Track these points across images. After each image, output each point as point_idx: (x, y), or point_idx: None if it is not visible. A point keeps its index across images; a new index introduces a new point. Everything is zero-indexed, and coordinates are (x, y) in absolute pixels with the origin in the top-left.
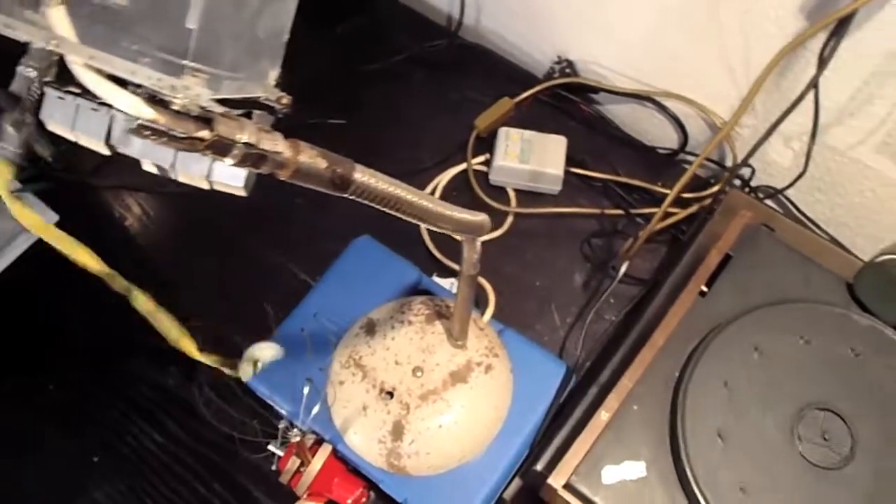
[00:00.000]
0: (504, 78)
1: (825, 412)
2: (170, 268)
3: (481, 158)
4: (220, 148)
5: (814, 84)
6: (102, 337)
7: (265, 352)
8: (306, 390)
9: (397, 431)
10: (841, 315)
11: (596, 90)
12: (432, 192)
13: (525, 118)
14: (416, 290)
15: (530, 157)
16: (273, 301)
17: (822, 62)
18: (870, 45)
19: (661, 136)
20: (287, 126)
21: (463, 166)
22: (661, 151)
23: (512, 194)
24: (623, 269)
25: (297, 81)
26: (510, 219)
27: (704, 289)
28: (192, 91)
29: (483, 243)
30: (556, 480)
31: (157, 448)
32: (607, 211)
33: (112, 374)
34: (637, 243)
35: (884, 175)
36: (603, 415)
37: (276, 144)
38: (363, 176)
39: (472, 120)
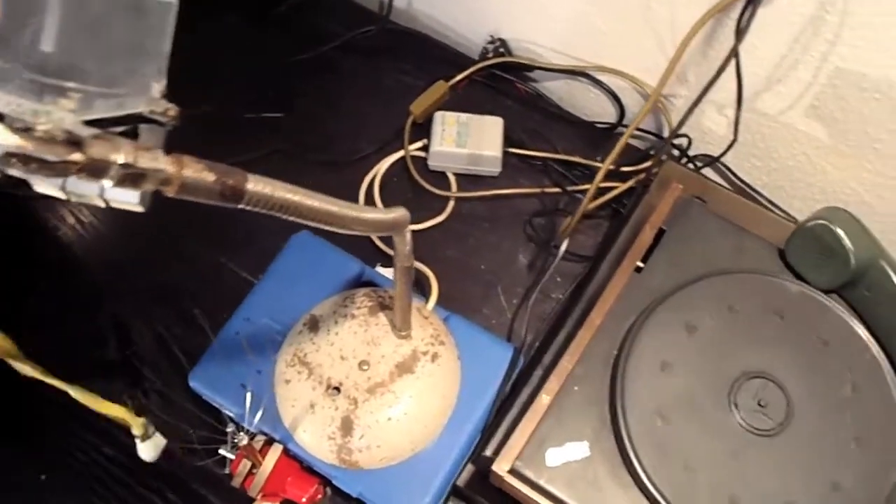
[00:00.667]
0: (438, 61)
1: (760, 379)
2: (107, 276)
3: (419, 144)
4: (95, 170)
5: (734, 53)
6: (45, 351)
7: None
8: (248, 394)
9: (346, 427)
10: (772, 282)
11: (531, 68)
12: (371, 182)
13: (461, 101)
14: (360, 283)
15: (467, 141)
16: (216, 303)
17: (740, 31)
18: (788, 11)
19: (598, 110)
20: (223, 123)
21: (401, 153)
22: (599, 126)
23: (452, 178)
24: (563, 247)
25: (230, 76)
26: (451, 203)
27: (640, 264)
28: (56, 115)
29: (425, 229)
30: (500, 466)
31: (108, 461)
32: (548, 189)
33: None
34: (573, 221)
35: (814, 138)
36: (544, 398)
37: (157, 161)
38: (256, 185)
39: (408, 106)
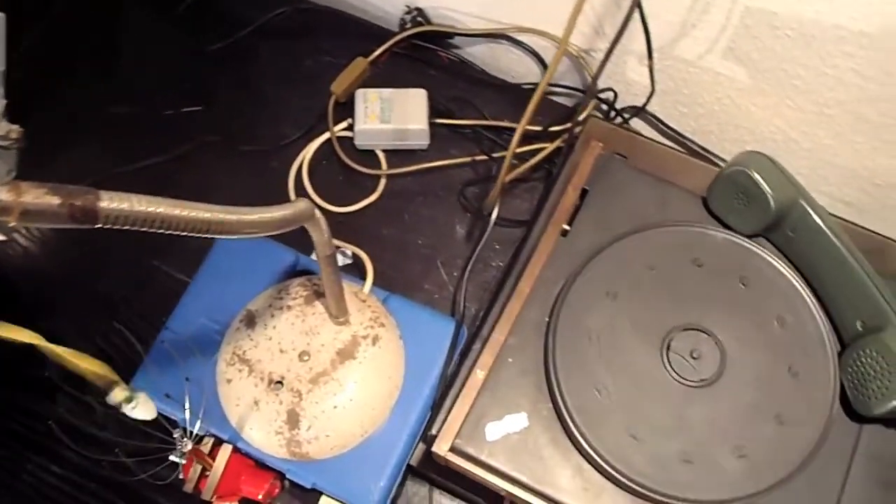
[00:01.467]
0: (357, 37)
1: (691, 331)
2: (39, 293)
3: (344, 124)
4: None
5: (637, 3)
6: None
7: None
8: (186, 398)
9: (293, 420)
10: (695, 233)
11: (451, 35)
12: (299, 167)
13: (384, 75)
14: (296, 272)
15: (391, 116)
16: (153, 308)
17: None
18: None
19: (523, 72)
20: (144, 123)
21: (327, 136)
22: (525, 87)
23: (381, 156)
24: (494, 215)
25: (146, 74)
26: (383, 181)
27: (567, 227)
28: None
29: (359, 210)
30: (440, 447)
31: (58, 480)
32: (479, 157)
33: None
34: (497, 188)
35: (735, 80)
36: (478, 373)
37: None
38: (111, 203)
39: (330, 86)
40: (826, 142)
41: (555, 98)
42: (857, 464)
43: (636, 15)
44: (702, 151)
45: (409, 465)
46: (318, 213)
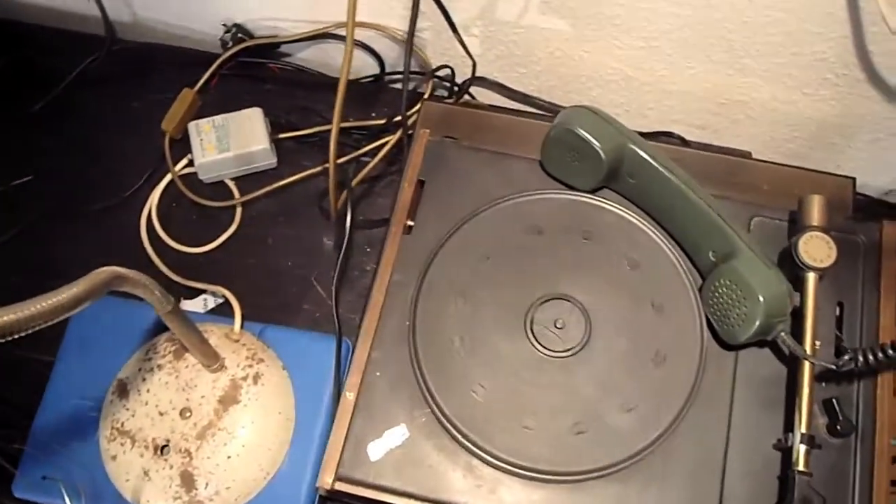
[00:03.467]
0: (181, 67)
1: (550, 302)
2: None
3: (185, 161)
4: None
5: None
6: None
7: None
8: (63, 489)
9: (188, 481)
10: (534, 201)
11: (277, 44)
12: (148, 216)
13: (218, 101)
14: (164, 328)
15: (230, 143)
16: (27, 397)
17: None
18: None
19: (359, 67)
20: None
21: (170, 177)
22: (364, 82)
23: (232, 185)
24: (348, 219)
25: None
26: (238, 210)
27: (411, 223)
28: None
29: (220, 245)
30: (325, 480)
31: None
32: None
33: None
34: (344, 193)
35: (559, 31)
36: (348, 396)
37: None
38: None
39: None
40: (662, 73)
41: (395, 87)
42: (739, 391)
43: None
44: (551, 107)
45: (320, 497)
46: (130, 273)
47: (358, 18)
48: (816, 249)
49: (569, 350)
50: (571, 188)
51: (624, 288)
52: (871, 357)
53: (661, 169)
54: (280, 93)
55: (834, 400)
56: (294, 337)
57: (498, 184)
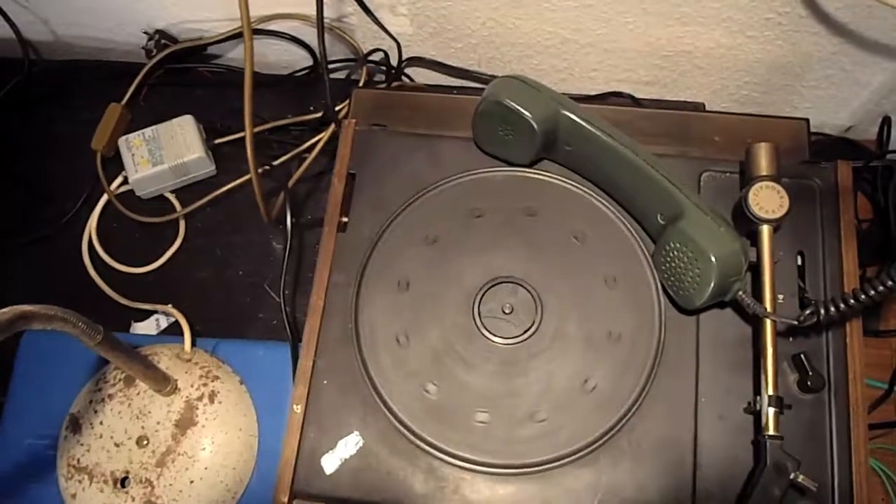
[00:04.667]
0: (108, 81)
1: (495, 287)
2: None
3: (120, 179)
4: None
5: None
6: None
7: None
8: None
9: None
10: (470, 182)
11: (203, 47)
12: (89, 241)
13: (150, 113)
14: None
15: (163, 155)
16: None
17: None
18: None
19: (292, 59)
20: None
21: (106, 197)
22: (299, 76)
23: (172, 197)
24: (289, 223)
25: None
26: (182, 223)
27: (346, 220)
28: None
29: (166, 262)
30: (280, 498)
31: None
32: (274, 163)
33: None
34: (284, 193)
35: (486, 1)
36: (296, 409)
37: None
38: None
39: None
40: (600, 31)
41: (334, 77)
42: (705, 356)
43: None
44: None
45: None
46: (39, 309)
47: (281, 10)
48: (767, 200)
49: (521, 334)
50: (509, 163)
51: (573, 263)
52: (832, 308)
53: (597, 132)
54: (213, 96)
55: (802, 355)
56: (249, 349)
57: (431, 168)
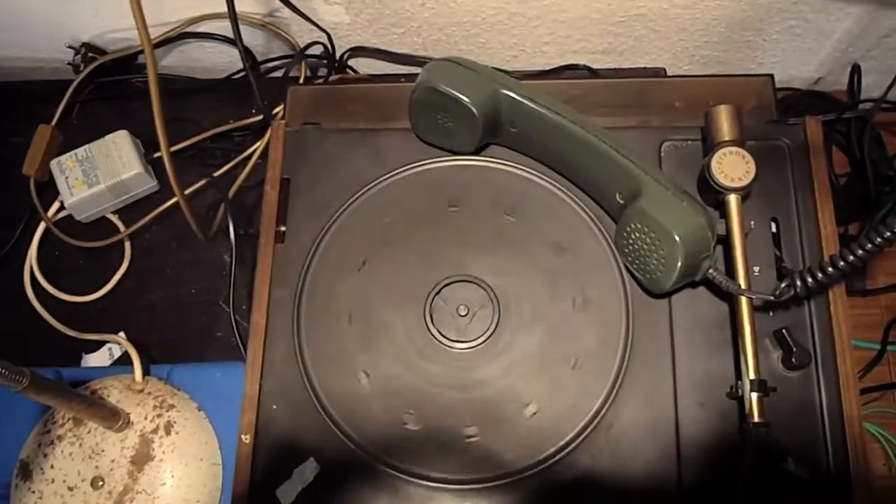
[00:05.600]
0: (38, 102)
1: (446, 289)
2: None
3: (58, 204)
4: None
5: None
6: None
7: None
8: None
9: None
10: (409, 177)
11: (134, 56)
12: (31, 272)
13: (84, 131)
14: None
15: (98, 175)
16: None
17: None
18: None
19: (228, 61)
20: None
21: (45, 225)
22: (236, 78)
23: (115, 218)
24: (232, 232)
25: None
26: (128, 245)
27: (283, 229)
28: None
29: (114, 287)
30: None
31: None
32: (217, 173)
33: None
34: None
35: None
36: (244, 439)
37: None
38: None
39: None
40: (547, 1)
41: (275, 76)
42: (680, 341)
43: None
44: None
45: None
46: None
47: (209, 10)
48: (732, 167)
49: (483, 334)
50: (453, 152)
51: (525, 253)
52: (810, 279)
53: (540, 110)
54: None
55: (784, 330)
56: (205, 372)
57: (370, 165)
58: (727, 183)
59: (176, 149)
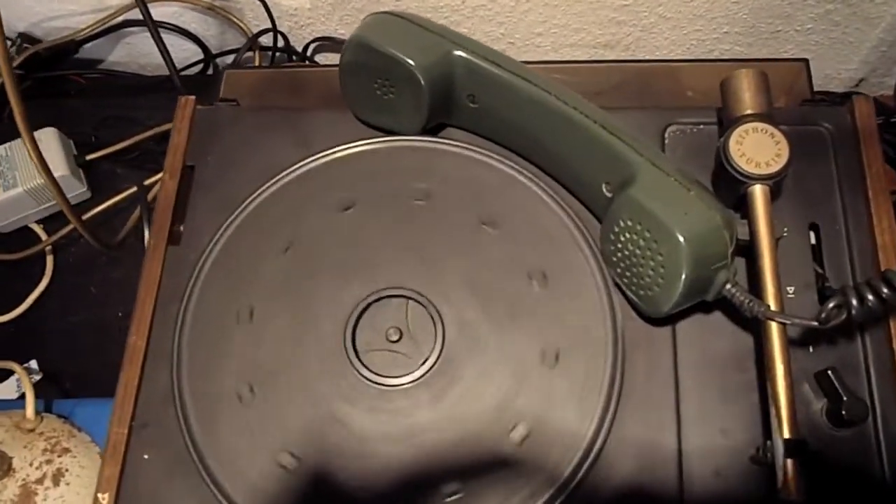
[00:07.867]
0: None
1: (371, 308)
2: None
3: None
4: None
5: None
6: None
7: None
8: None
9: None
10: (337, 161)
11: (74, 48)
12: None
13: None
14: None
15: (17, 177)
16: None
17: None
18: None
19: (183, 56)
20: None
21: None
22: (190, 74)
23: (38, 229)
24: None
25: None
26: (49, 258)
27: (181, 227)
28: None
29: (32, 306)
30: None
31: None
32: (154, 178)
33: None
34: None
35: None
36: (101, 499)
37: None
38: None
39: None
40: None
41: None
42: (686, 383)
43: None
44: None
45: None
46: None
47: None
48: (757, 148)
49: (424, 364)
50: (396, 133)
51: (484, 261)
52: (869, 296)
53: (508, 76)
54: (87, 105)
55: (830, 371)
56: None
57: (292, 150)
58: (750, 169)
59: (112, 150)
